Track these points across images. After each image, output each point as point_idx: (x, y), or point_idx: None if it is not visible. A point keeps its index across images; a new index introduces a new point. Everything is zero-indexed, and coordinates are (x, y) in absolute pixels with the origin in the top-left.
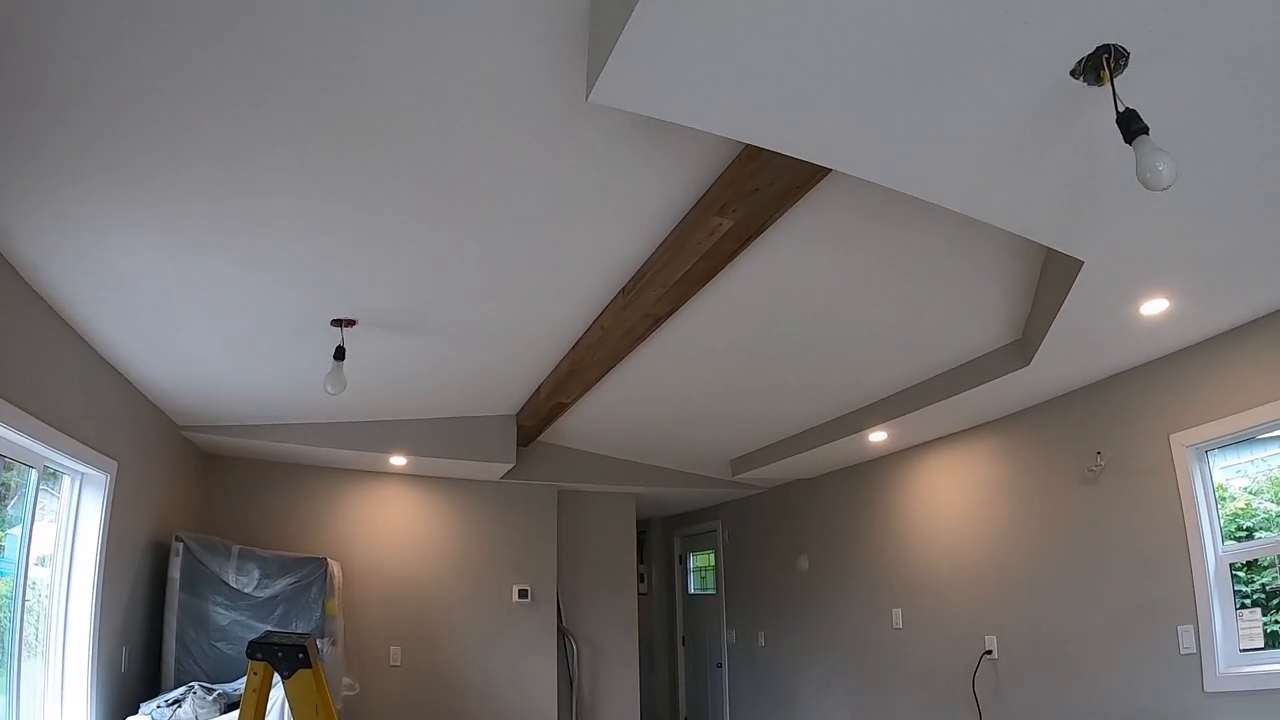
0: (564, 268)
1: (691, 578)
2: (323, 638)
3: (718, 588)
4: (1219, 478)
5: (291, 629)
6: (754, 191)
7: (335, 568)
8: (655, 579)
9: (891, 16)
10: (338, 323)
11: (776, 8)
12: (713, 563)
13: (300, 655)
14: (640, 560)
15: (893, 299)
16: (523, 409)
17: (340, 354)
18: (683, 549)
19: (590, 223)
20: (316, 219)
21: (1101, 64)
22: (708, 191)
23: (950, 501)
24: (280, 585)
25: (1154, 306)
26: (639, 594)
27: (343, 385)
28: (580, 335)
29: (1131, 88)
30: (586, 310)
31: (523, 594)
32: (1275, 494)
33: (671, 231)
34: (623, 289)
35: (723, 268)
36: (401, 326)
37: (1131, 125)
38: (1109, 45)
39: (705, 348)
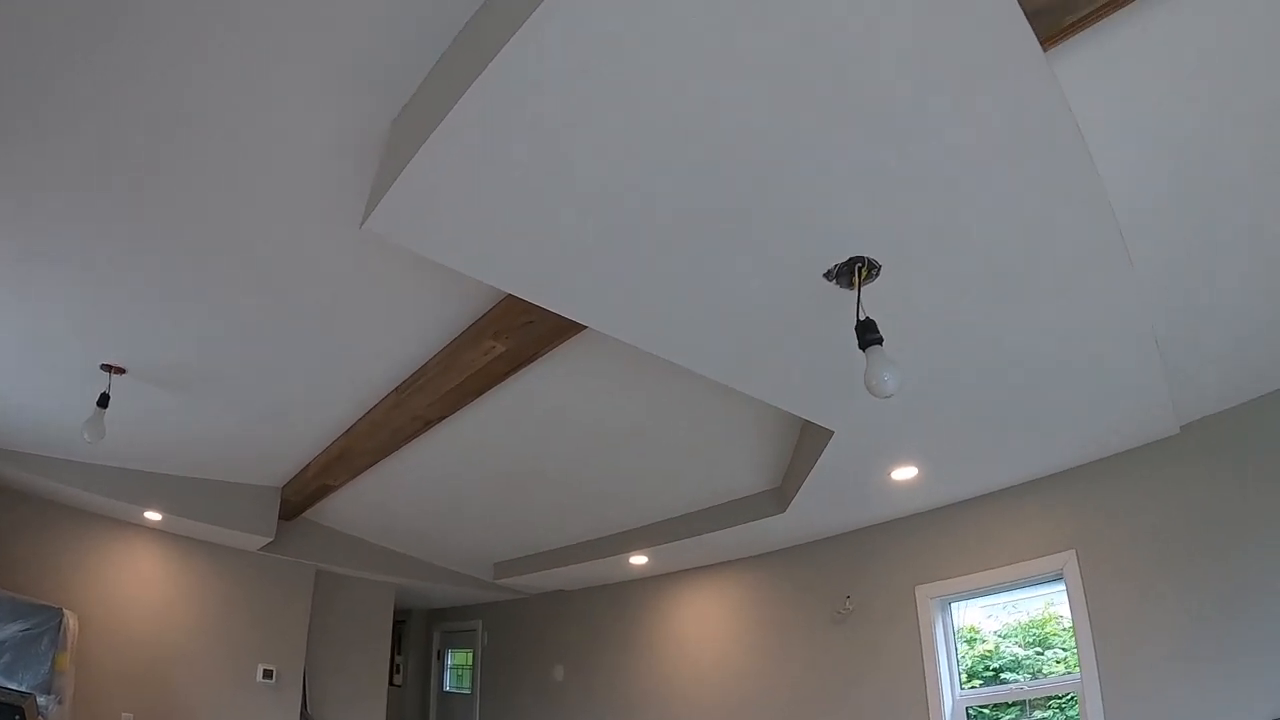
0: (343, 357)
1: (448, 675)
2: (49, 693)
3: (474, 688)
4: (974, 618)
5: (16, 680)
6: (528, 324)
7: (72, 620)
8: (411, 671)
9: (658, 205)
10: (107, 368)
11: (551, 184)
12: (470, 662)
13: (16, 717)
14: (397, 650)
15: (662, 433)
16: (289, 483)
17: (104, 401)
18: (442, 644)
19: (373, 322)
20: (105, 264)
21: (854, 271)
22: (484, 316)
23: (708, 628)
24: (8, 631)
25: (904, 473)
26: (394, 685)
27: (101, 434)
28: (352, 423)
29: (880, 293)
30: (361, 401)
31: (267, 674)
32: (1023, 638)
33: (447, 345)
34: (397, 388)
35: (495, 386)
36: (174, 383)
37: (867, 334)
38: (862, 257)
39: (475, 455)
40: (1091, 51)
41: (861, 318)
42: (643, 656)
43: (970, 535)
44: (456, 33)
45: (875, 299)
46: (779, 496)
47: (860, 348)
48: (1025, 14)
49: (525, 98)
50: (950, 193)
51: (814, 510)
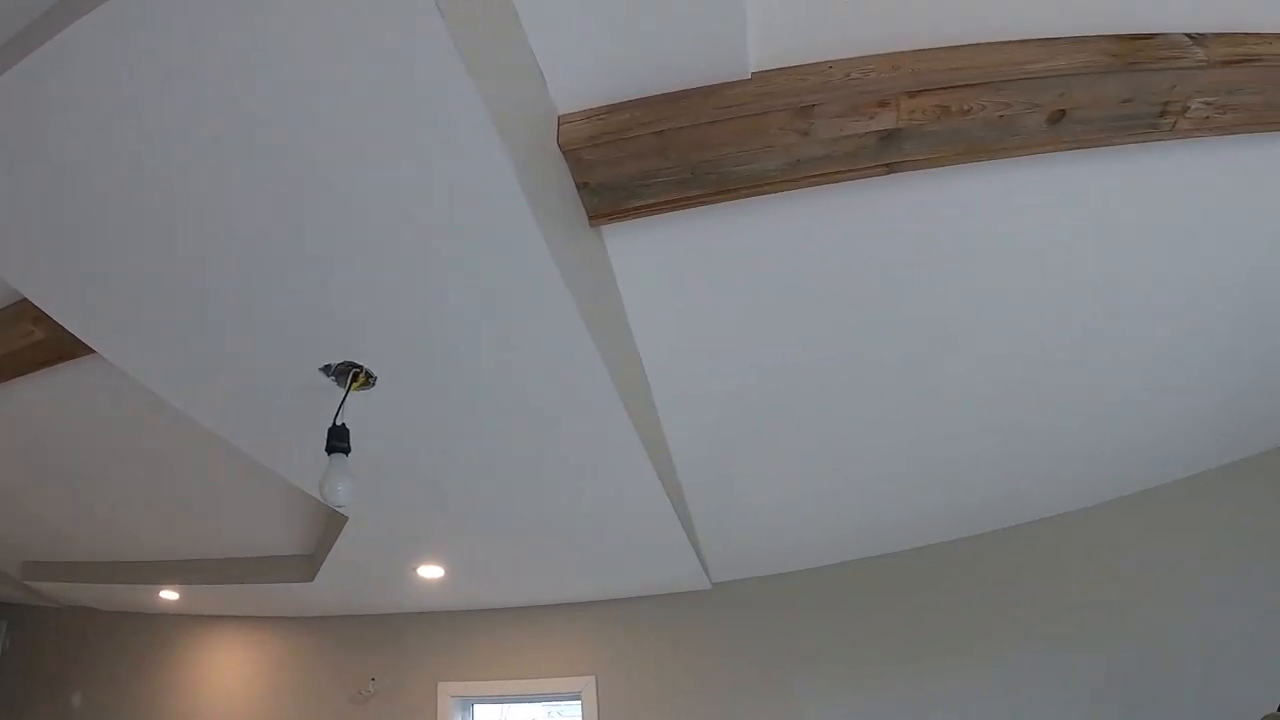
0: None
1: None
2: None
3: None
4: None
5: None
6: None
7: None
8: None
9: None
10: None
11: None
12: None
13: None
14: None
15: (200, 460)
16: None
17: None
18: None
19: None
20: None
21: (349, 375)
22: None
23: (235, 683)
24: None
25: (431, 571)
26: None
27: None
28: None
29: (375, 399)
30: None
31: None
32: None
33: None
34: None
35: (30, 372)
36: None
37: (334, 440)
38: (360, 365)
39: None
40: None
41: (338, 423)
42: (169, 698)
43: (498, 643)
44: None
45: (378, 407)
46: (309, 564)
47: (326, 450)
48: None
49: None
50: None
51: (342, 586)
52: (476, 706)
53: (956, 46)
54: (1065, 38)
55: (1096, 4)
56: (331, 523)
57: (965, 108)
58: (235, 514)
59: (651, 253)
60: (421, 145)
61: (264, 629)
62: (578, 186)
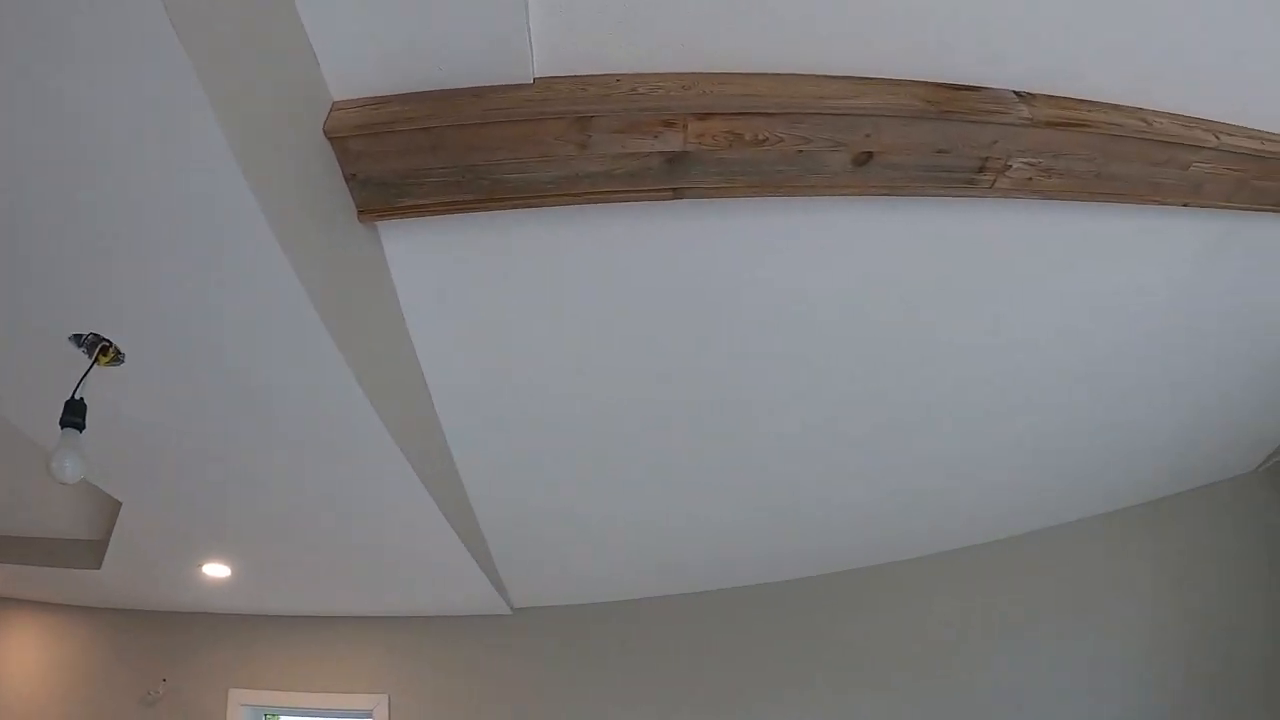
0: None
1: None
2: None
3: None
4: None
5: None
6: None
7: None
8: None
9: None
10: None
11: None
12: None
13: None
14: None
15: None
16: None
17: None
18: None
19: None
20: None
21: (97, 348)
22: None
23: (24, 668)
24: None
25: (217, 569)
26: None
27: None
28: None
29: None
30: None
31: None
32: None
33: None
34: None
35: None
36: None
37: (68, 414)
38: (109, 340)
39: None
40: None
41: (77, 396)
42: None
43: (291, 652)
44: None
45: (134, 387)
46: (96, 550)
47: (60, 424)
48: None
49: None
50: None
51: (129, 576)
52: (266, 716)
53: (757, 74)
54: (879, 78)
55: (919, 50)
56: (119, 508)
57: (760, 137)
58: (25, 490)
59: (433, 262)
60: (138, 119)
61: (57, 616)
62: (346, 178)
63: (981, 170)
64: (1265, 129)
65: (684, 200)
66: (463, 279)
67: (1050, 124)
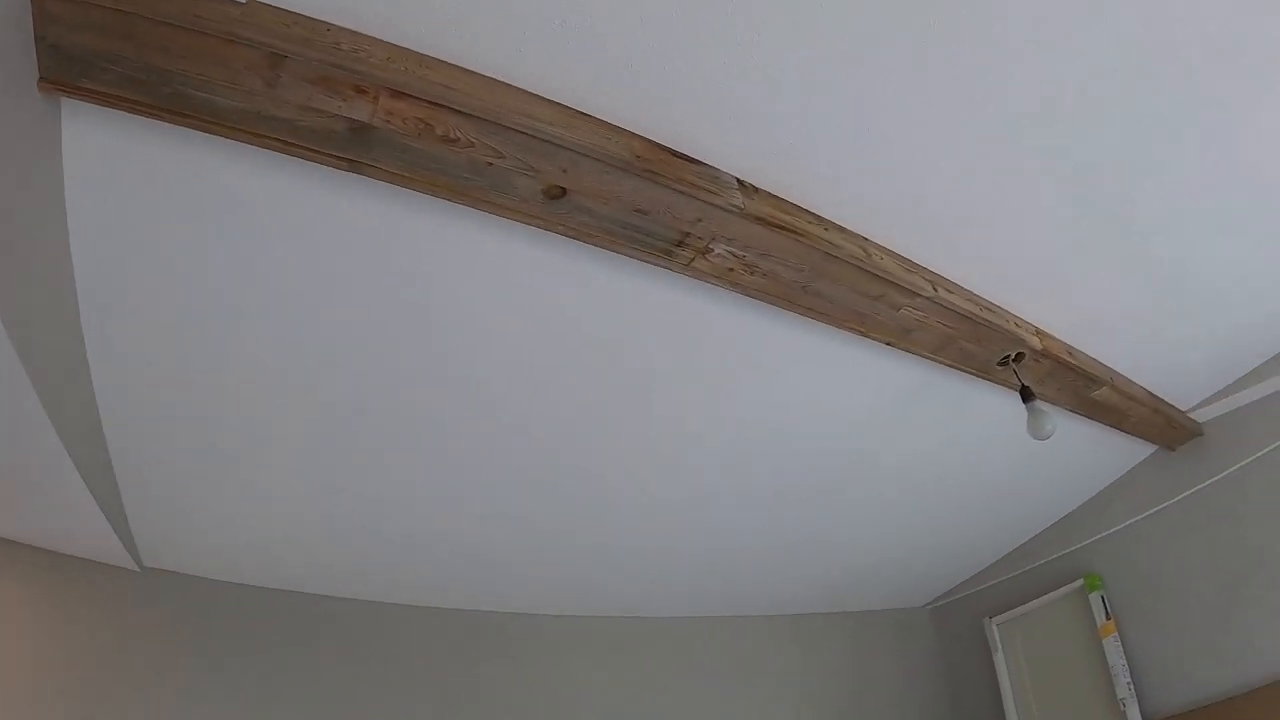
0: None
1: None
2: None
3: None
4: None
5: None
6: None
7: None
8: None
9: None
10: None
11: None
12: None
13: None
14: None
15: None
16: None
17: None
18: None
19: None
20: None
21: None
22: None
23: None
24: None
25: None
26: None
27: None
28: None
29: None
30: None
31: None
32: None
33: None
34: None
35: None
36: None
37: None
38: None
39: None
40: None
41: None
42: None
43: None
44: None
45: None
46: None
47: None
48: None
49: None
50: None
51: None
52: None
53: (469, 71)
54: (596, 117)
55: (652, 104)
56: None
57: (452, 136)
58: None
59: (108, 165)
60: None
61: None
62: (36, 38)
63: (680, 245)
64: (984, 295)
65: (364, 178)
66: (133, 187)
67: (762, 220)
